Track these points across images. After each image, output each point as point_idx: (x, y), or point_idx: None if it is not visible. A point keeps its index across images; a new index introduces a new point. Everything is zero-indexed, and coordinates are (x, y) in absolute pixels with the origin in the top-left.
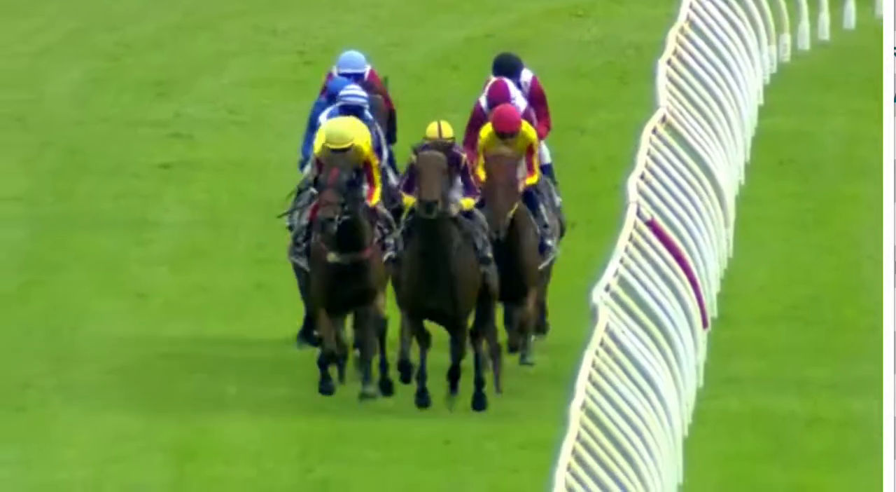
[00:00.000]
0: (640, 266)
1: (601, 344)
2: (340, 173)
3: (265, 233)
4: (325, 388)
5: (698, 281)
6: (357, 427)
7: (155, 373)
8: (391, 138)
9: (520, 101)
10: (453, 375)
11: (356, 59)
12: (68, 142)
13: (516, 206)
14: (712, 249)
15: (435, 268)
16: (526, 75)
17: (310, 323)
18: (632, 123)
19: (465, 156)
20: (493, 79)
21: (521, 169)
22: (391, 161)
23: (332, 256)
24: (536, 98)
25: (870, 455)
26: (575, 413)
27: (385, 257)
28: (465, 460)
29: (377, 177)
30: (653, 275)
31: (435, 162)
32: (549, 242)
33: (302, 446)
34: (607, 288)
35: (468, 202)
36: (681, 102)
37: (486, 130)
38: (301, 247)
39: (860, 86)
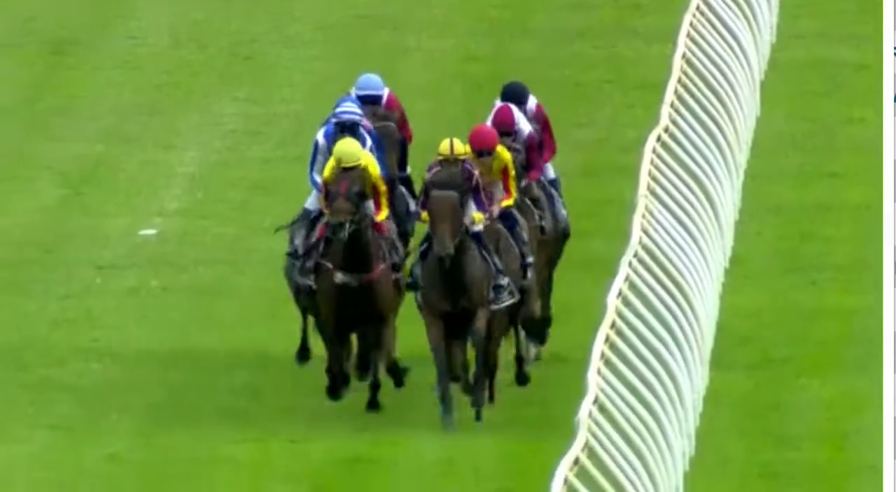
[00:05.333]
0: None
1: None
2: (351, 184)
3: None
4: (334, 395)
5: None
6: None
7: None
8: (402, 166)
9: (523, 125)
10: (474, 386)
11: (373, 81)
12: None
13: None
14: None
15: (453, 280)
16: (531, 102)
17: (305, 342)
18: None
19: (476, 172)
20: (499, 104)
21: (499, 191)
22: (406, 184)
23: (339, 277)
24: (541, 124)
25: None
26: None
27: (393, 278)
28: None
29: (384, 202)
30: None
31: (447, 204)
32: (529, 260)
33: None
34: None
35: (479, 217)
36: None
37: (467, 147)
38: (307, 267)
39: None
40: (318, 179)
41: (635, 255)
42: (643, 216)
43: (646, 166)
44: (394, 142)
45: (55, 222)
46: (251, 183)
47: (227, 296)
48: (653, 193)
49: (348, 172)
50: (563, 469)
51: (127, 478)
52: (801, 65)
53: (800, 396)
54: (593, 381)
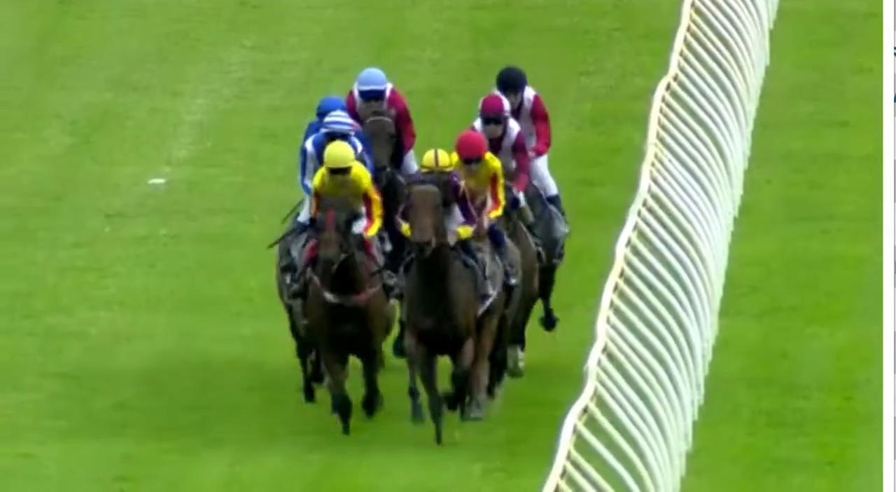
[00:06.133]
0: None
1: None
2: (338, 214)
3: None
4: (345, 428)
5: None
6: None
7: None
8: (397, 163)
9: (513, 123)
10: (456, 398)
11: (376, 76)
12: None
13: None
14: None
15: (436, 295)
16: (529, 92)
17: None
18: None
19: (462, 184)
20: (488, 94)
21: (486, 201)
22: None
23: (329, 297)
24: (538, 115)
25: None
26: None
27: (390, 298)
28: None
29: (377, 212)
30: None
31: (427, 198)
32: (513, 281)
33: None
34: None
35: (466, 231)
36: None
37: (452, 158)
38: (295, 287)
39: None
40: (310, 185)
41: (644, 203)
42: (652, 165)
43: (655, 115)
44: (387, 136)
45: (64, 171)
46: (259, 131)
47: (236, 244)
48: (662, 141)
49: (338, 177)
50: (573, 418)
51: (135, 426)
52: (809, 14)
53: (808, 344)
54: (602, 329)
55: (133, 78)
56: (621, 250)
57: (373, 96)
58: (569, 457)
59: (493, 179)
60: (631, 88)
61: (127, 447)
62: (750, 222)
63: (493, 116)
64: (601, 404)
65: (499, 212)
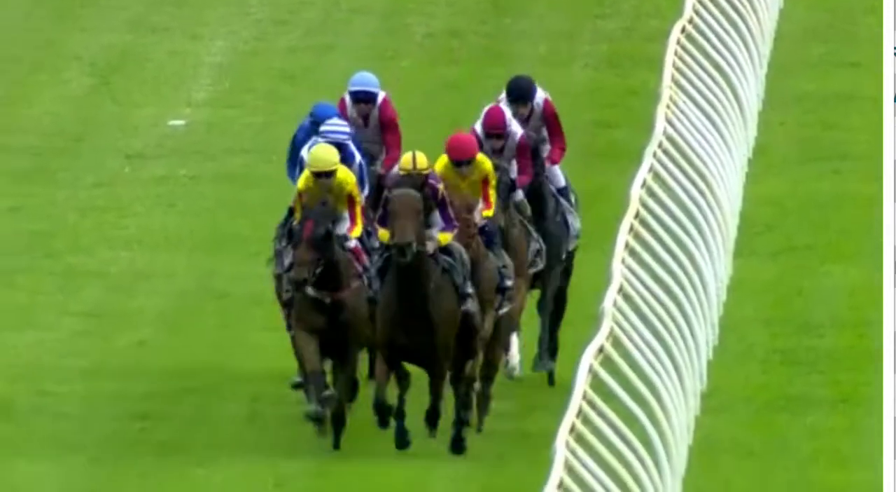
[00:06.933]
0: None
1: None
2: (316, 227)
3: None
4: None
5: None
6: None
7: None
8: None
9: (515, 127)
10: (432, 416)
11: (369, 78)
12: None
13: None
14: None
15: (412, 308)
16: (539, 97)
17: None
18: None
19: (441, 187)
20: (490, 105)
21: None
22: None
23: (310, 290)
24: (550, 119)
25: None
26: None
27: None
28: None
29: (359, 214)
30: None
31: (409, 202)
32: (507, 283)
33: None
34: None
35: (445, 237)
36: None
37: (442, 161)
38: (285, 297)
39: None
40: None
41: (660, 145)
42: (667, 107)
43: (670, 57)
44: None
45: (84, 112)
46: (278, 72)
47: (255, 184)
48: (677, 83)
49: (322, 181)
50: (588, 358)
51: (155, 364)
52: None
53: (822, 283)
54: (618, 270)
55: (153, 20)
56: (636, 192)
57: (364, 98)
58: (585, 396)
59: (485, 181)
60: (646, 30)
61: (147, 386)
62: (764, 163)
63: (495, 133)
64: (617, 344)
65: (490, 213)
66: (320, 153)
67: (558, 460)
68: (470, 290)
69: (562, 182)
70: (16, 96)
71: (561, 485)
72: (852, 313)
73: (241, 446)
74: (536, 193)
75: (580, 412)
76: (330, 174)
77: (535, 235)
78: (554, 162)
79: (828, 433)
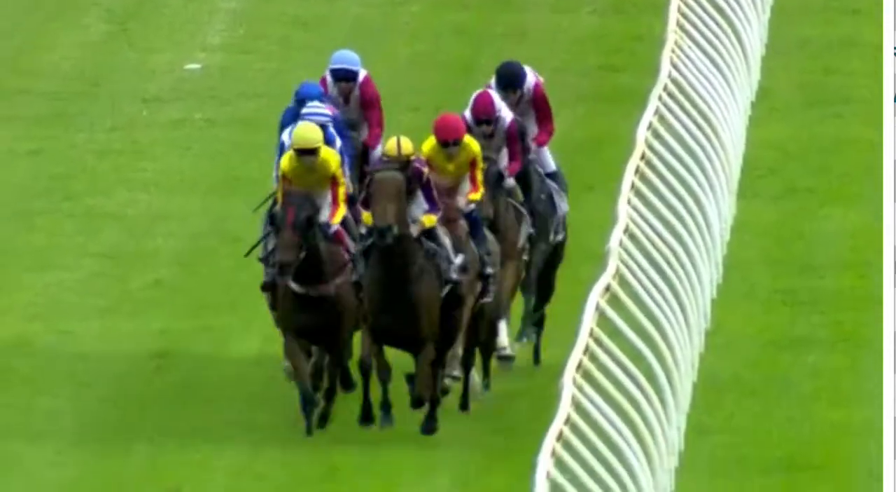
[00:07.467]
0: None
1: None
2: (298, 212)
3: None
4: (308, 427)
5: None
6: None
7: None
8: (365, 158)
9: (505, 112)
10: (417, 401)
11: (350, 57)
12: None
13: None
14: None
15: (394, 290)
16: (529, 82)
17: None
18: None
19: (426, 170)
20: (478, 91)
21: (465, 185)
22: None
23: (294, 287)
24: (539, 103)
25: None
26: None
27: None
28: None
29: (342, 196)
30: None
31: (390, 184)
32: (489, 270)
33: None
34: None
35: (430, 219)
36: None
37: (430, 142)
38: (265, 280)
39: None
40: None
41: (665, 88)
42: (673, 51)
43: (675, 2)
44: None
45: (102, 57)
46: (291, 18)
47: (269, 128)
48: (682, 28)
49: (305, 159)
50: (595, 296)
51: (171, 303)
52: None
53: (823, 225)
54: (624, 210)
55: None
56: (642, 134)
57: (343, 76)
58: (591, 334)
59: (473, 164)
60: None
61: (163, 324)
62: (766, 107)
63: (484, 119)
64: (623, 282)
65: (477, 196)
66: (303, 131)
67: (566, 396)
68: (454, 275)
69: (552, 167)
70: (35, 42)
71: (568, 420)
72: (853, 255)
73: (252, 383)
74: (522, 171)
75: (587, 349)
76: (313, 152)
77: (528, 218)
78: (540, 144)
79: (829, 372)
